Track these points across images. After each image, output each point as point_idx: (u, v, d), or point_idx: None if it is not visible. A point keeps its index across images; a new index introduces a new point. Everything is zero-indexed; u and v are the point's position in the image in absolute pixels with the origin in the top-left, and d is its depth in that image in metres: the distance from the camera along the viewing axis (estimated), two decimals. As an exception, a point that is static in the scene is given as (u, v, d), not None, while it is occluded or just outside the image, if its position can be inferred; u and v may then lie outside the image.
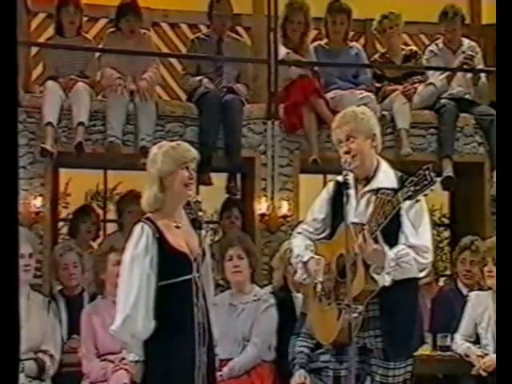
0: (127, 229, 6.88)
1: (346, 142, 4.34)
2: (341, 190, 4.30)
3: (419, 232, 4.25)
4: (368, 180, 4.36)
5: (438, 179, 4.07)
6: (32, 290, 5.60)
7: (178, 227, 4.23)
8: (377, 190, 4.29)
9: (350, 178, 4.31)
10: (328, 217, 4.47)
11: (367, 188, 4.34)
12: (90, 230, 7.01)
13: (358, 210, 4.30)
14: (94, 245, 7.12)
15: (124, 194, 7.58)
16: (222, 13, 7.24)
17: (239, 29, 7.87)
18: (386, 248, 4.17)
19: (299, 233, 4.57)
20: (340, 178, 4.37)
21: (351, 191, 4.29)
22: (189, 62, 7.33)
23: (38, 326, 5.41)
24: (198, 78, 7.02)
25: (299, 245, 4.49)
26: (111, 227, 7.76)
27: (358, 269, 4.21)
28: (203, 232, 4.16)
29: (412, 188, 4.03)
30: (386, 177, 4.36)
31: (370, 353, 4.30)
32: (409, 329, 4.35)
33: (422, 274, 4.35)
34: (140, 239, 4.17)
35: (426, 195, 4.11)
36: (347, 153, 4.32)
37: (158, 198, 4.21)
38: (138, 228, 4.22)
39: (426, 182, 4.01)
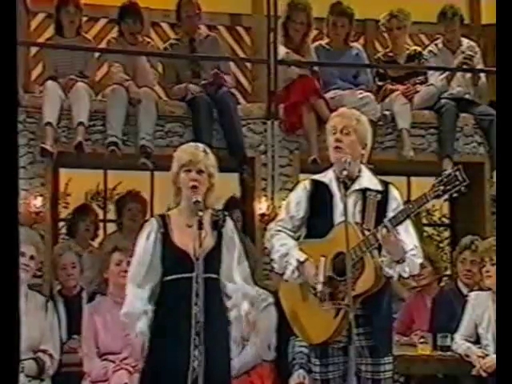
0: (127, 227, 6.94)
1: (340, 132, 4.42)
2: (321, 189, 4.39)
3: (410, 233, 4.35)
4: (353, 180, 4.40)
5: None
6: (30, 290, 5.58)
7: (189, 226, 4.27)
8: (363, 191, 4.38)
9: (333, 177, 4.39)
10: (307, 215, 4.48)
11: (354, 187, 4.39)
12: (88, 228, 7.03)
13: (345, 209, 4.31)
14: (93, 244, 7.14)
15: (123, 193, 7.68)
16: (191, 13, 7.23)
17: (239, 29, 7.87)
18: (403, 242, 4.25)
19: (279, 231, 4.52)
20: (319, 178, 4.47)
21: (336, 190, 4.33)
22: (167, 69, 7.29)
23: (36, 325, 5.40)
24: (183, 85, 7.00)
25: (286, 243, 4.46)
26: (111, 227, 7.76)
27: (367, 266, 4.22)
28: (203, 232, 4.17)
29: (442, 187, 4.13)
30: (370, 179, 4.46)
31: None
32: (390, 326, 4.51)
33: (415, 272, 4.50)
34: (144, 231, 4.36)
35: (453, 195, 4.17)
36: (338, 141, 4.38)
37: (174, 200, 4.42)
38: (147, 221, 4.49)
39: (457, 183, 4.12)
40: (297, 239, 4.51)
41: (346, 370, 4.32)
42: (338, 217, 4.32)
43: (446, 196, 4.18)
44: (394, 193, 4.46)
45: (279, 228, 4.52)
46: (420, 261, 4.38)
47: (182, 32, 7.32)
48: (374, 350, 4.30)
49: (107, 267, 5.54)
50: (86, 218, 7.04)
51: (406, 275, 4.32)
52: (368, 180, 4.44)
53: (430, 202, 4.25)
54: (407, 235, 4.32)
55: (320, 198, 4.41)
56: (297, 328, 4.55)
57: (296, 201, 4.51)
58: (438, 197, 4.15)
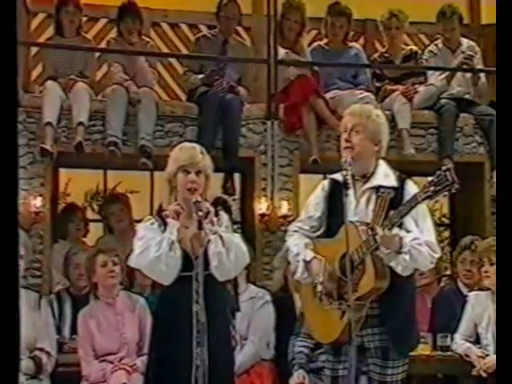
0: (116, 230, 6.92)
1: (349, 131, 4.38)
2: (337, 188, 4.34)
3: (424, 230, 4.28)
4: (367, 178, 4.38)
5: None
6: (21, 288, 5.55)
7: (186, 227, 4.29)
8: (377, 188, 4.32)
9: (349, 176, 4.32)
10: (324, 215, 4.48)
11: (367, 186, 4.36)
12: (79, 227, 6.96)
13: (358, 207, 4.31)
14: (86, 241, 7.10)
15: (105, 197, 7.73)
16: (230, 15, 7.26)
17: (239, 29, 7.87)
18: (403, 233, 4.19)
19: (295, 231, 4.55)
20: (336, 177, 4.41)
21: (350, 190, 4.30)
22: (192, 61, 7.31)
23: (30, 323, 5.36)
24: (200, 76, 7.02)
25: (298, 243, 4.48)
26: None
27: (367, 267, 4.20)
28: (203, 232, 4.17)
29: (432, 188, 4.04)
30: (386, 176, 4.39)
31: (367, 352, 4.28)
32: (409, 327, 4.39)
33: (431, 266, 4.43)
34: (147, 223, 4.37)
35: (445, 196, 4.13)
36: (347, 141, 4.36)
37: (169, 199, 4.40)
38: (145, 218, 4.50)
39: (447, 183, 4.03)
40: (316, 238, 4.51)
41: (357, 369, 4.29)
42: (350, 216, 4.28)
43: (438, 197, 4.15)
44: (410, 188, 4.32)
45: (296, 228, 4.56)
46: (425, 249, 4.20)
47: (218, 31, 7.33)
48: (384, 351, 4.27)
49: (94, 271, 5.54)
50: (74, 218, 6.96)
51: (407, 264, 4.17)
52: (382, 177, 4.37)
53: (423, 203, 4.18)
54: (421, 235, 4.25)
55: (336, 197, 4.36)
56: (310, 327, 4.61)
57: (315, 201, 4.52)
58: (428, 197, 4.09)
